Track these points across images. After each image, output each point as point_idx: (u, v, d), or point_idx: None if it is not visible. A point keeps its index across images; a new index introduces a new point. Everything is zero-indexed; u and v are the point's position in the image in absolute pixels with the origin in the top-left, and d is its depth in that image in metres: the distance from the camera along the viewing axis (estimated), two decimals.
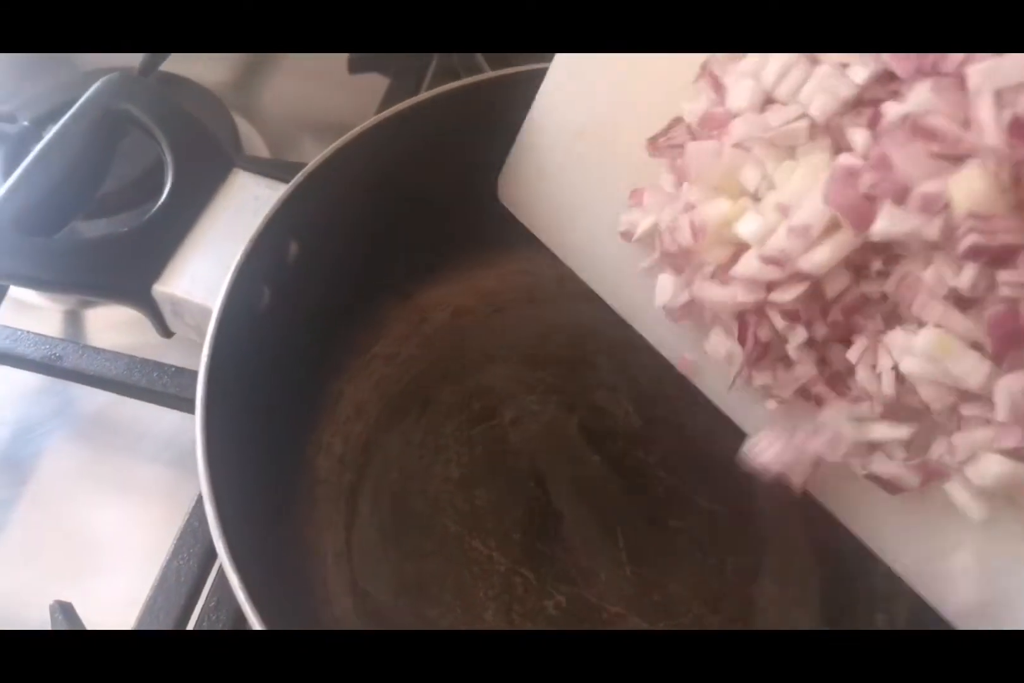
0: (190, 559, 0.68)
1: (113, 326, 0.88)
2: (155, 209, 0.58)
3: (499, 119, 0.68)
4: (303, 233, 0.62)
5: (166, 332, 0.60)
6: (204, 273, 0.57)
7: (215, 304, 0.54)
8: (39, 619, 0.67)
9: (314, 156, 0.99)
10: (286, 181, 0.60)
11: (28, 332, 0.79)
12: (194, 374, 0.75)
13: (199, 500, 0.71)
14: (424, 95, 0.66)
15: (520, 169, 0.63)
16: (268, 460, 0.64)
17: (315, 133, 1.02)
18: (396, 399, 0.76)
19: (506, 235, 0.82)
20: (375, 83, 0.99)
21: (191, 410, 0.75)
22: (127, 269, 0.56)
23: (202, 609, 0.66)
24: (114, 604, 0.71)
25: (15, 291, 0.86)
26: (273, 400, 0.65)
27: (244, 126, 0.99)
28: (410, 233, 0.74)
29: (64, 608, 0.64)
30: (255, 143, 1.00)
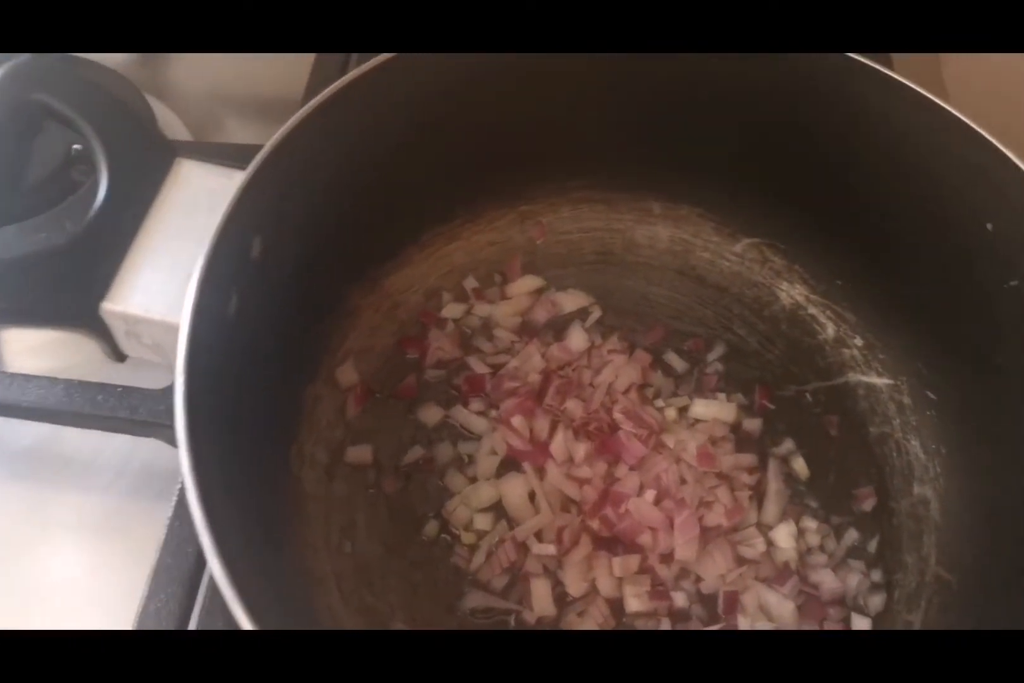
0: (169, 601, 0.61)
1: (29, 349, 0.78)
2: (91, 214, 0.49)
3: (458, 89, 0.63)
4: (265, 226, 0.55)
5: (119, 355, 0.52)
6: (159, 284, 0.50)
7: (181, 318, 0.47)
8: None
9: (241, 137, 0.91)
10: (240, 167, 0.53)
11: None
12: (143, 392, 0.68)
13: (169, 534, 0.64)
14: (379, 60, 0.58)
15: None
16: (252, 480, 0.57)
17: (239, 111, 0.92)
18: (378, 395, 0.70)
19: (471, 204, 0.77)
20: (299, 54, 0.89)
21: (143, 433, 0.69)
22: (67, 288, 0.48)
23: None
24: None
25: None
26: (248, 413, 0.58)
27: (159, 108, 0.87)
28: (371, 213, 0.67)
29: None
30: (174, 127, 0.89)
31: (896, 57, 0.81)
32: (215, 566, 0.42)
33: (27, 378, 0.67)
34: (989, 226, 0.58)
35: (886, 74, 0.59)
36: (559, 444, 0.66)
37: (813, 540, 0.67)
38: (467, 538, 0.65)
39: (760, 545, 0.66)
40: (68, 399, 0.67)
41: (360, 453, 0.67)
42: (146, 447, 0.71)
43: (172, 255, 0.51)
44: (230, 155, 0.57)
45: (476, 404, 0.70)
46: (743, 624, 0.63)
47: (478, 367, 0.71)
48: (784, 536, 0.67)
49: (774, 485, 0.69)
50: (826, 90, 0.63)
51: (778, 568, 0.66)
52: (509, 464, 0.68)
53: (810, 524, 0.68)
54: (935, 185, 0.61)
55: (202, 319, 0.48)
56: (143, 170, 0.51)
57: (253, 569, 0.53)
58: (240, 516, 0.53)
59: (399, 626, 0.61)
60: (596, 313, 0.75)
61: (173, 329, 0.49)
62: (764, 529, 0.67)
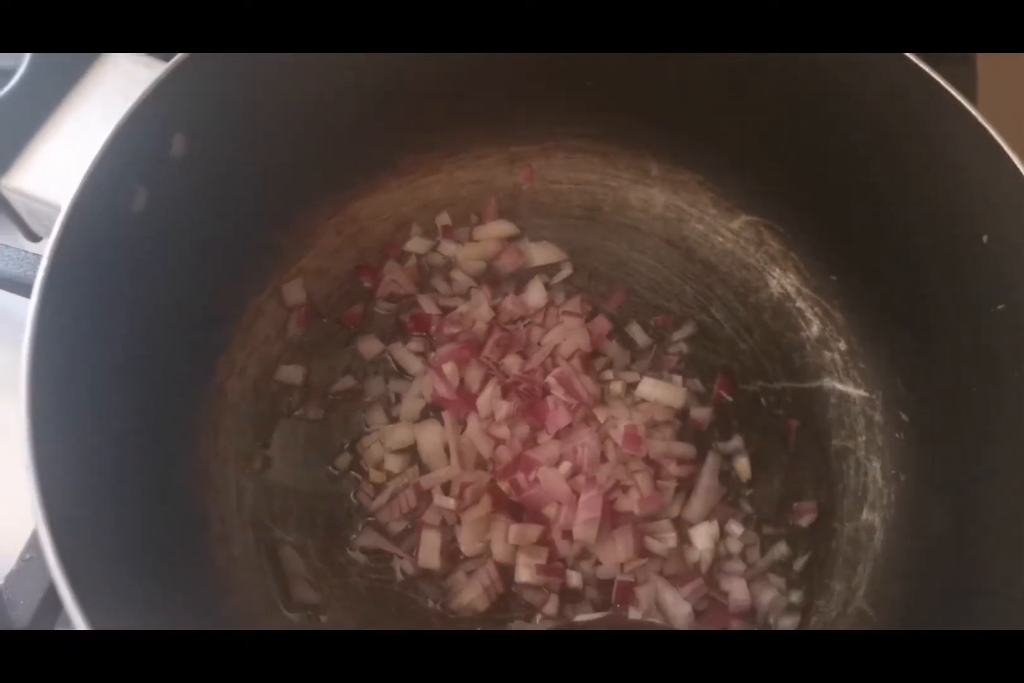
0: None
1: None
2: (6, 89, 0.48)
3: None
4: (194, 123, 0.53)
5: (31, 235, 0.52)
6: (62, 167, 0.48)
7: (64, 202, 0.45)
8: None
9: None
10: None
11: None
12: None
13: None
14: None
15: None
16: (162, 385, 0.57)
17: None
18: (324, 320, 0.68)
19: (456, 137, 0.72)
20: None
21: None
22: None
23: None
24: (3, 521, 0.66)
25: None
26: (168, 316, 0.57)
27: None
28: (340, 131, 0.64)
29: None
30: None
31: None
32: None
33: None
34: (985, 238, 0.51)
35: (925, 72, 0.52)
36: (486, 399, 0.63)
37: (735, 546, 0.63)
38: (375, 476, 0.63)
39: (671, 540, 0.62)
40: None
41: (292, 373, 0.66)
42: None
43: (83, 140, 0.49)
44: None
45: (416, 344, 0.67)
46: (634, 616, 0.60)
47: (428, 306, 0.68)
48: (702, 536, 0.62)
49: (706, 481, 0.64)
50: (852, 80, 0.56)
51: (686, 567, 0.62)
52: (436, 410, 0.65)
53: (735, 529, 0.63)
54: (942, 189, 0.54)
55: (89, 207, 0.46)
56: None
57: (140, 470, 0.53)
58: (133, 423, 0.53)
59: (287, 550, 0.61)
60: (566, 271, 0.70)
61: None
62: (684, 525, 0.63)
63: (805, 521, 0.63)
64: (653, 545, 0.61)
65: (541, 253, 0.71)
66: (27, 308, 0.69)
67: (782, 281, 0.69)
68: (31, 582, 0.59)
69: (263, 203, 0.62)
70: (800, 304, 0.69)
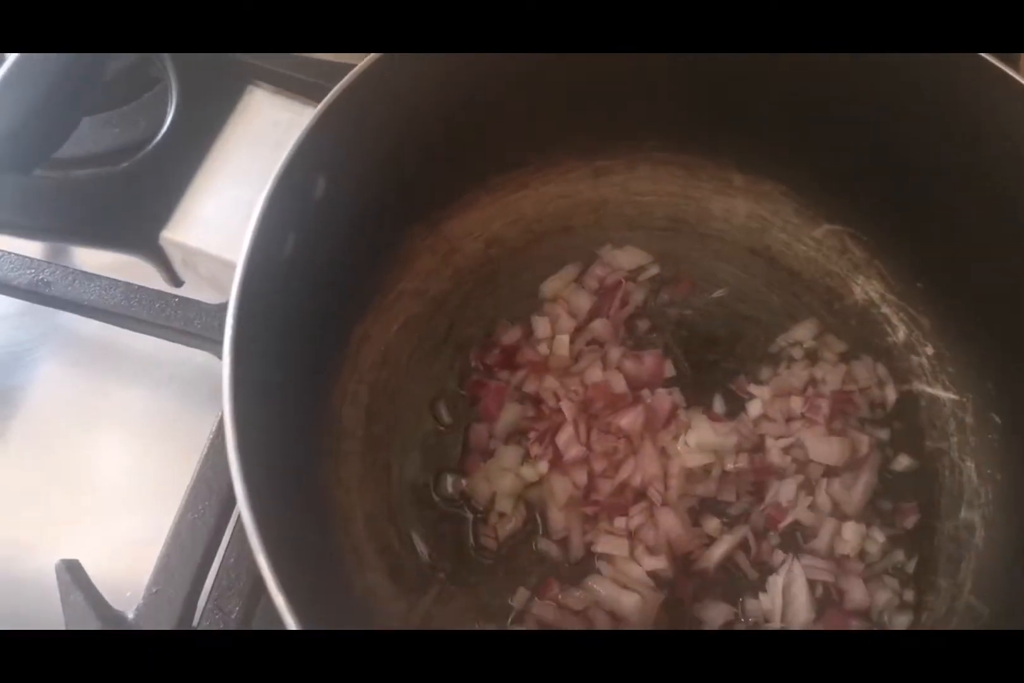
0: (205, 512, 0.62)
1: None
2: (158, 138, 0.48)
3: None
4: (331, 166, 0.53)
5: (176, 281, 0.52)
6: (218, 217, 0.49)
7: (238, 257, 0.46)
8: (45, 575, 0.62)
9: None
10: (309, 100, 0.51)
11: (9, 253, 0.69)
12: (200, 306, 0.69)
13: (211, 446, 0.65)
14: None
15: None
16: (294, 414, 0.57)
17: None
18: (426, 341, 0.69)
19: (544, 153, 0.73)
20: None
21: (195, 345, 0.69)
22: (127, 214, 0.47)
23: (220, 567, 0.62)
24: (124, 556, 0.67)
25: None
26: (297, 349, 0.57)
27: None
28: (441, 156, 0.64)
29: (71, 567, 0.59)
30: None
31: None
32: (241, 499, 0.42)
33: (89, 277, 0.68)
34: None
35: (1011, 77, 0.54)
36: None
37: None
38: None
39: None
40: (126, 303, 0.67)
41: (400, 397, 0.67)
42: (202, 354, 0.72)
43: (235, 188, 0.49)
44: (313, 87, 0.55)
45: None
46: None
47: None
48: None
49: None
50: (933, 85, 0.57)
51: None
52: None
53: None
54: None
55: (257, 262, 0.47)
56: (213, 95, 0.49)
57: (278, 504, 0.54)
58: (274, 450, 0.54)
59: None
60: (653, 270, 0.72)
61: (227, 265, 0.48)
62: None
63: (909, 522, 0.66)
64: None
65: (628, 258, 0.73)
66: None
67: (866, 288, 0.72)
68: (160, 615, 0.60)
69: (371, 234, 0.63)
70: (885, 310, 0.71)
